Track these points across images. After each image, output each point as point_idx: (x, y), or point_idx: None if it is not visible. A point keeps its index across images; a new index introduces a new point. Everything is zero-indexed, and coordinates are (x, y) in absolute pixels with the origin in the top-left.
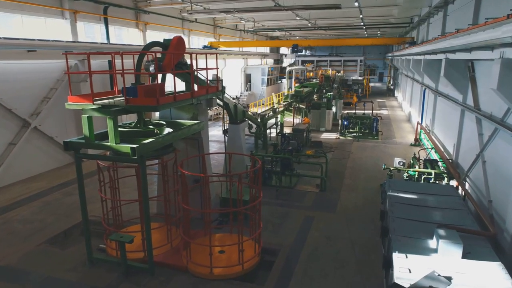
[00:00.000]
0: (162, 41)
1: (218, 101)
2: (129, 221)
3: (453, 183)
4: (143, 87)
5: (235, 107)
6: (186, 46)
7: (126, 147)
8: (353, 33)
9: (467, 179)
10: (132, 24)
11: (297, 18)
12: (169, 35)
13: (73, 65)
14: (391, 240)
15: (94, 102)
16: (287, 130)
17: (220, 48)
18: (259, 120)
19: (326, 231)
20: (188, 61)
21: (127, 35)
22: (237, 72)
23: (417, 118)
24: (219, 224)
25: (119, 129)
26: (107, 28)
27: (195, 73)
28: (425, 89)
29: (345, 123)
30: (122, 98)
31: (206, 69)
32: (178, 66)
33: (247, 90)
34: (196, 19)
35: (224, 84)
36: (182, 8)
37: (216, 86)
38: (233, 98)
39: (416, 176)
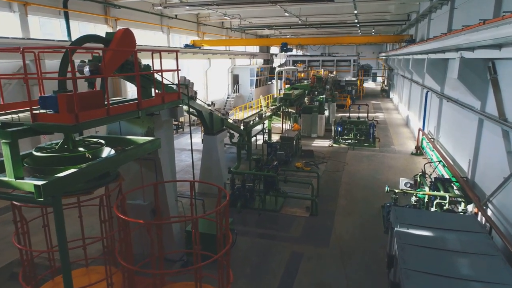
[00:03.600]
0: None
1: (188, 108)
2: (75, 263)
3: (470, 207)
4: (65, 97)
5: (210, 115)
6: (165, 44)
7: (28, 185)
8: (347, 31)
9: (490, 205)
10: (100, 19)
11: (286, 14)
12: (145, 33)
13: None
14: None
15: None
16: (275, 137)
17: (204, 47)
18: (242, 127)
19: (317, 275)
20: (148, 62)
21: (95, 32)
22: (223, 73)
23: (417, 123)
24: (182, 267)
25: (35, 153)
26: (68, 24)
27: (149, 76)
28: (427, 91)
29: (339, 129)
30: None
31: (161, 71)
32: (127, 67)
33: (234, 92)
34: (176, 15)
35: (195, 89)
36: (159, 3)
37: (177, 93)
38: (208, 104)
39: (426, 199)
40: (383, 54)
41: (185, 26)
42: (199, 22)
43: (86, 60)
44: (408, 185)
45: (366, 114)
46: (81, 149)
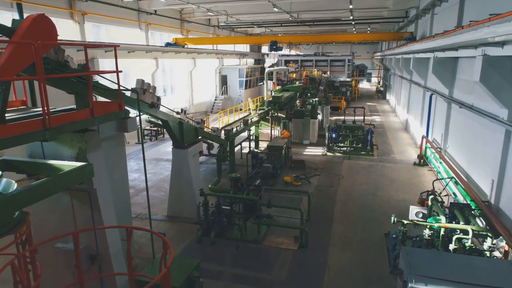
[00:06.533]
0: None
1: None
2: None
3: (496, 241)
4: None
5: (179, 125)
6: (144, 43)
7: None
8: (341, 29)
9: None
10: (64, 13)
11: (275, 9)
12: (119, 29)
13: None
14: None
15: None
16: (263, 144)
17: (188, 46)
18: (223, 136)
19: None
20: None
21: (58, 28)
22: (211, 73)
23: (419, 128)
24: None
25: None
26: (22, 18)
27: (84, 80)
28: (431, 94)
29: (333, 135)
30: None
31: (88, 73)
32: (47, 67)
33: (222, 94)
34: (155, 10)
35: (158, 95)
36: None
37: (118, 102)
38: (178, 112)
39: (442, 232)
40: (379, 53)
41: (166, 23)
42: (182, 19)
43: None
44: (420, 215)
45: (362, 118)
46: None
